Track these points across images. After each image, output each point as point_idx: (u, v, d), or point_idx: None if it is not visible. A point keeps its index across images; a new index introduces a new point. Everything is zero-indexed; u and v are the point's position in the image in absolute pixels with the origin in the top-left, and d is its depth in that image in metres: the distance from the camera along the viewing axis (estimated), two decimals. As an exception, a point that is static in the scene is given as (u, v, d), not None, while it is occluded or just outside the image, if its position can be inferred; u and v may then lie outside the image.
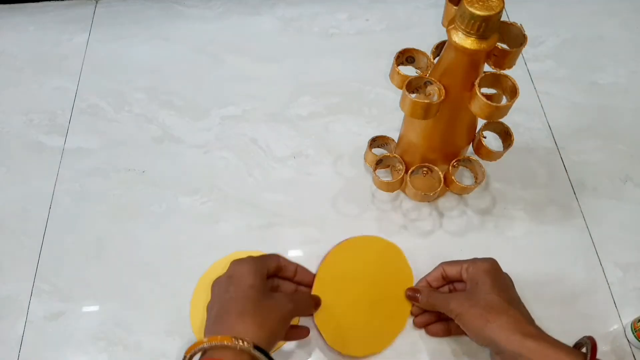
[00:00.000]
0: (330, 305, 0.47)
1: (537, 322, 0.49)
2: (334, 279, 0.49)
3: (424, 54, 0.44)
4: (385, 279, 0.50)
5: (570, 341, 0.48)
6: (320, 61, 0.69)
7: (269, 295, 0.41)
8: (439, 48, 0.43)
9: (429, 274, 0.50)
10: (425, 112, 0.41)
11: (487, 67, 0.40)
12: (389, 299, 0.49)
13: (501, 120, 0.46)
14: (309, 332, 0.47)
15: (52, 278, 0.52)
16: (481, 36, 0.36)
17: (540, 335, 0.39)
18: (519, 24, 0.39)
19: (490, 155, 0.50)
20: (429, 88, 0.42)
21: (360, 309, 0.48)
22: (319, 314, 0.46)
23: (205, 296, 0.43)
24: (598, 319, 0.50)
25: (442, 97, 0.40)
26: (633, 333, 0.47)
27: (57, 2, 0.76)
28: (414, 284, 0.50)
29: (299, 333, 0.46)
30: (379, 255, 0.52)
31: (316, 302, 0.47)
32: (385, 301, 0.49)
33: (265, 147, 0.61)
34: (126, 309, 0.51)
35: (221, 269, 0.45)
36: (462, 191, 0.54)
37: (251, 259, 0.43)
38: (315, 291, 0.47)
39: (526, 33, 0.38)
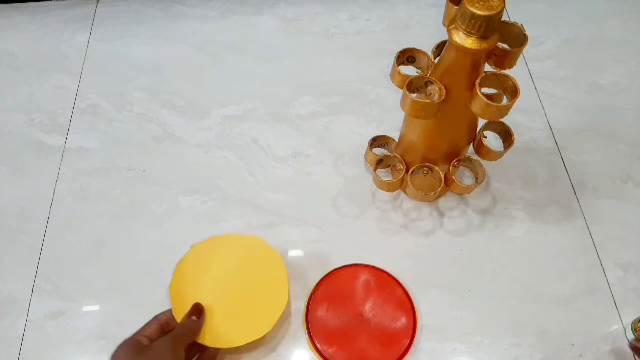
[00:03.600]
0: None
1: (538, 322, 0.49)
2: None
3: (424, 53, 0.44)
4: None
5: (570, 341, 0.48)
6: (320, 61, 0.69)
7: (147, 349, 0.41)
8: (440, 48, 0.43)
9: None
10: (426, 111, 0.41)
11: (487, 67, 0.40)
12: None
13: (502, 120, 0.46)
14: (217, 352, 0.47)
15: (52, 277, 0.52)
16: (482, 36, 0.36)
17: None
18: (519, 24, 0.39)
19: (491, 155, 0.50)
20: (430, 88, 0.42)
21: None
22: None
23: (184, 281, 0.47)
24: (598, 319, 0.50)
25: (443, 97, 0.40)
26: (633, 333, 0.47)
27: (58, 1, 0.76)
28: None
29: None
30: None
31: (196, 312, 0.46)
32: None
33: (266, 146, 0.61)
34: (126, 309, 0.51)
35: (202, 252, 0.48)
36: (463, 191, 0.54)
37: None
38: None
39: (527, 33, 0.38)
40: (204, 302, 0.47)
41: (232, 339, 0.45)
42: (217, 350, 0.46)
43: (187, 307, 0.46)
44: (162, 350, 0.41)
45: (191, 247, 0.50)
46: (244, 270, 0.49)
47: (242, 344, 0.45)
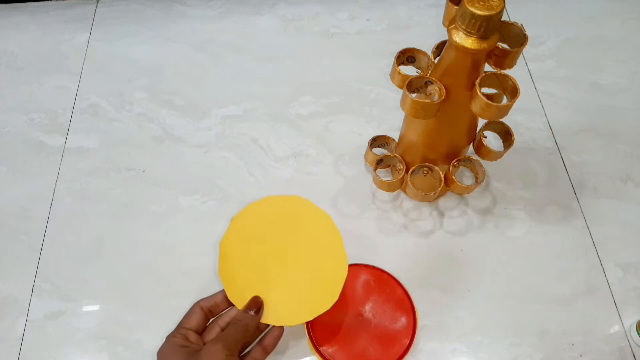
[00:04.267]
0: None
1: (538, 322, 0.49)
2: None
3: (424, 53, 0.44)
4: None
5: (570, 341, 0.48)
6: (320, 61, 0.69)
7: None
8: (440, 48, 0.43)
9: None
10: (426, 111, 0.41)
11: (487, 67, 0.40)
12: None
13: (502, 120, 0.46)
14: (282, 332, 0.43)
15: (52, 277, 0.52)
16: (482, 36, 0.36)
17: None
18: (519, 24, 0.39)
19: (491, 155, 0.50)
20: (430, 88, 0.42)
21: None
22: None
23: (232, 260, 0.42)
24: (598, 319, 0.50)
25: (443, 97, 0.40)
26: (638, 334, 0.47)
27: (58, 1, 0.76)
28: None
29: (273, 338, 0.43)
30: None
31: (254, 305, 0.41)
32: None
33: (266, 146, 0.61)
34: (126, 309, 0.51)
35: (244, 223, 0.44)
36: (463, 191, 0.54)
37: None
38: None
39: (527, 33, 0.38)
40: (259, 278, 0.42)
41: (299, 314, 0.42)
42: (281, 330, 0.42)
43: (242, 289, 0.42)
44: (213, 358, 0.37)
45: (231, 220, 0.45)
46: (294, 235, 0.44)
47: (311, 317, 0.42)
